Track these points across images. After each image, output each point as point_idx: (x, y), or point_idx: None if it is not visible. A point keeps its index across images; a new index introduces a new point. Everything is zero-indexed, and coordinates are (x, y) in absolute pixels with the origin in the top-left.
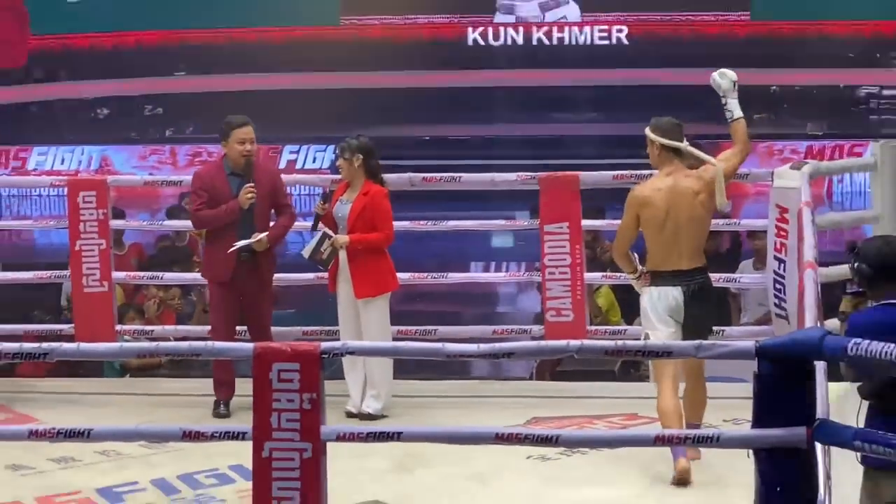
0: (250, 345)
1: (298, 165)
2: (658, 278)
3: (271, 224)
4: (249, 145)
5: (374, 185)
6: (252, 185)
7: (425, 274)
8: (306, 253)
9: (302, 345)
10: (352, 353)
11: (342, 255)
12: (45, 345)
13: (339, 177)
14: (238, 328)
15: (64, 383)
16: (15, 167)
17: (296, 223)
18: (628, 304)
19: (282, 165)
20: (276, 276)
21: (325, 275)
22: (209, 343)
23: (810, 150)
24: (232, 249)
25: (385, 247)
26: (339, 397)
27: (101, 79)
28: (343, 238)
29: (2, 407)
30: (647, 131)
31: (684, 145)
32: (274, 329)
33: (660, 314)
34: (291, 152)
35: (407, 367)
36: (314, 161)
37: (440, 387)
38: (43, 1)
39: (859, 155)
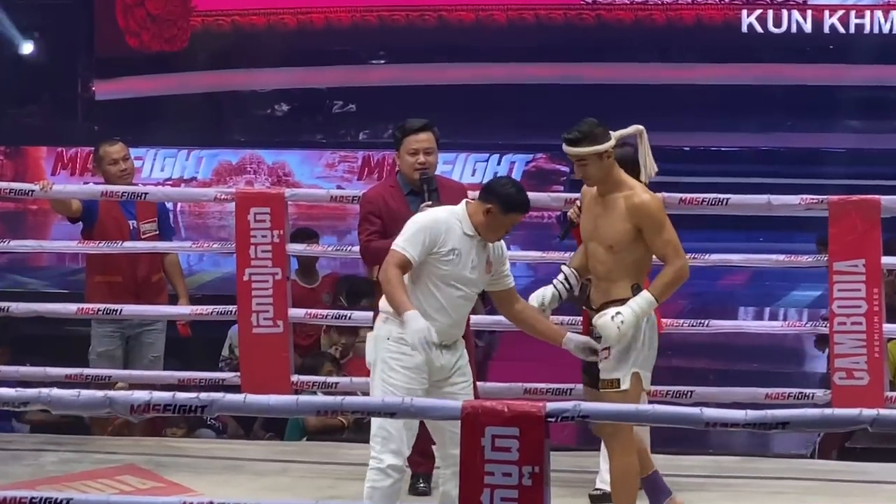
0: (457, 403)
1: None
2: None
3: None
4: (424, 156)
5: None
6: (430, 202)
7: (681, 320)
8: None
9: (523, 405)
10: (585, 417)
11: None
12: (203, 395)
13: None
14: None
15: (223, 446)
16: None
17: (521, 253)
18: None
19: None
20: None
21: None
22: (407, 399)
23: None
24: None
25: None
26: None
27: (280, 66)
28: None
29: (146, 473)
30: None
31: None
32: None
33: None
34: (446, 163)
35: (653, 437)
36: (473, 174)
37: (694, 463)
38: None
39: None
